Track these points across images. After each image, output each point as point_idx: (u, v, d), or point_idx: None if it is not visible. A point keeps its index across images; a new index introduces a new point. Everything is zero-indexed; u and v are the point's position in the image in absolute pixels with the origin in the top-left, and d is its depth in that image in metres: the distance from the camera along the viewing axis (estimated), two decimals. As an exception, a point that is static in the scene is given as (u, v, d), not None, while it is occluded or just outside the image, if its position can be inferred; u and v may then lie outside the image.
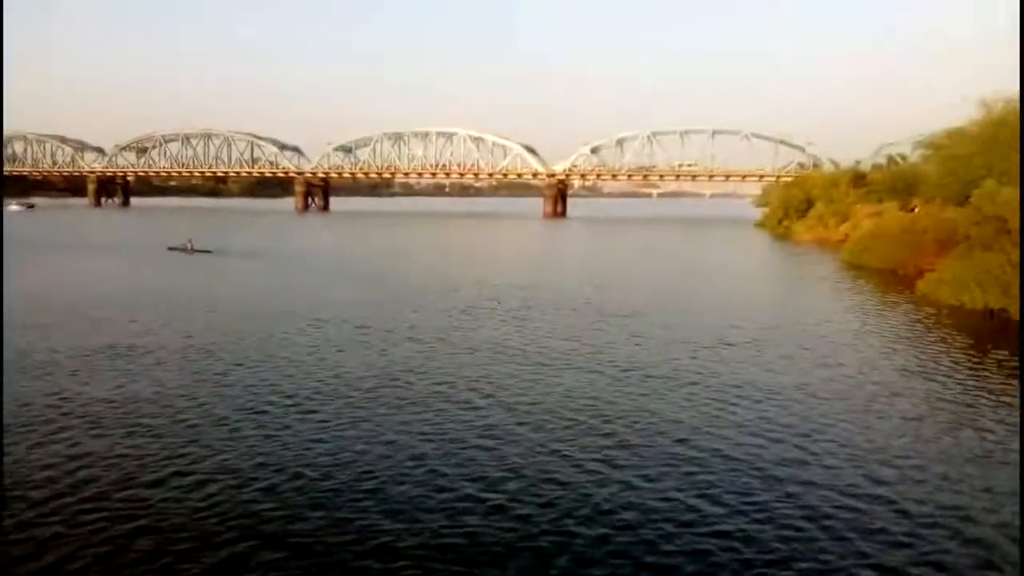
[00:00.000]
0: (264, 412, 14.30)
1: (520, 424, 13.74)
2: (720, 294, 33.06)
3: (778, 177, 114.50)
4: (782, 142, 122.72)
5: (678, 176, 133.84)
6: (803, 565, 8.79)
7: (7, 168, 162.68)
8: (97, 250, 52.23)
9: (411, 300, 28.87)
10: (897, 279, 36.85)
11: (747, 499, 10.52)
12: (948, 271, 30.38)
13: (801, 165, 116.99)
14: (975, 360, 19.48)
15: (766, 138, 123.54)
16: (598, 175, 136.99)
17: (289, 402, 14.96)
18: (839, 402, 15.53)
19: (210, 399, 15.08)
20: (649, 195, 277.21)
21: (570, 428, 13.58)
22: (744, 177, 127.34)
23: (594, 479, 11.20)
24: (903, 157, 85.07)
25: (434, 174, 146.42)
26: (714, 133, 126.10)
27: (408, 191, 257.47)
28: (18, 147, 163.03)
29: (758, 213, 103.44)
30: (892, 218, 51.10)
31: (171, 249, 49.72)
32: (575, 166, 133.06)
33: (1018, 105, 35.85)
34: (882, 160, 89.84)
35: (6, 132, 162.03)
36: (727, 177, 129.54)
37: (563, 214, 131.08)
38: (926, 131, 64.91)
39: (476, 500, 10.39)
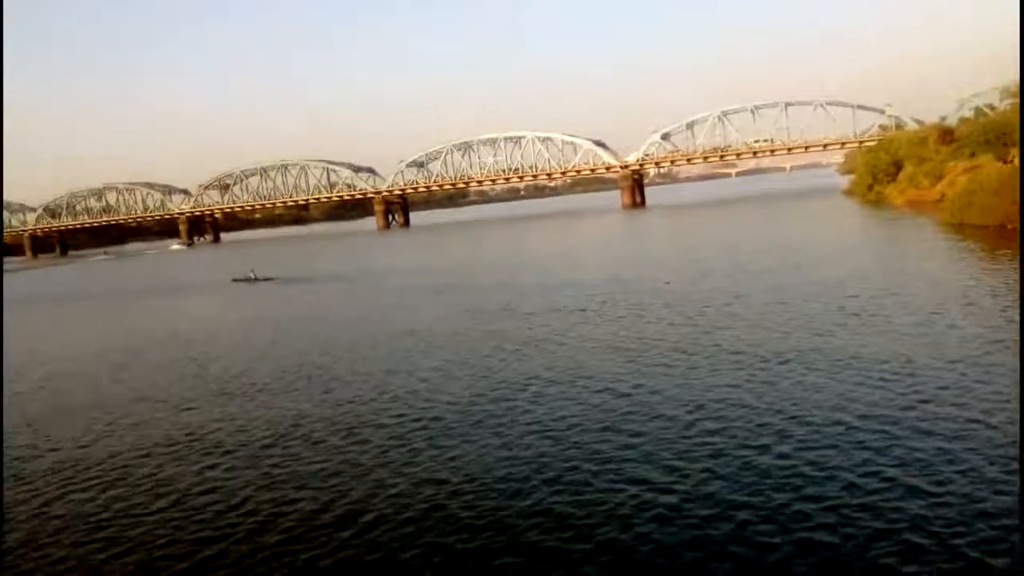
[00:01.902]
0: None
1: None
2: (830, 266, 31.99)
3: (860, 143, 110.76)
4: (859, 107, 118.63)
5: (755, 153, 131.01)
6: None
7: (106, 218, 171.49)
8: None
9: (548, 302, 29.01)
10: (1005, 233, 35.23)
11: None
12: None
13: (883, 128, 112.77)
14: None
15: (842, 104, 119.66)
16: (672, 161, 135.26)
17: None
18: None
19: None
20: (728, 175, 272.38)
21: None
22: (825, 146, 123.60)
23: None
24: (991, 107, 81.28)
25: (507, 179, 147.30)
26: (786, 105, 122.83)
27: (483, 198, 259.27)
28: (111, 198, 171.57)
29: (844, 181, 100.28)
30: (991, 171, 48.77)
31: (235, 280, 52.38)
32: (648, 155, 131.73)
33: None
34: (968, 113, 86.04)
35: (102, 184, 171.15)
36: (807, 148, 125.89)
37: (642, 203, 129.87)
38: (1011, 80, 62.12)
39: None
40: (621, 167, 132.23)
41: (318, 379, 19.35)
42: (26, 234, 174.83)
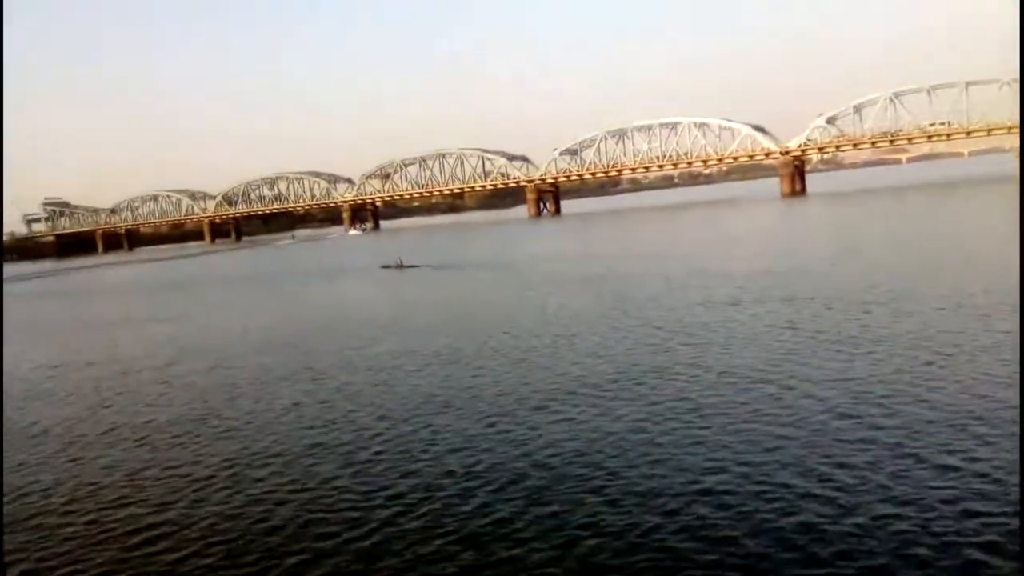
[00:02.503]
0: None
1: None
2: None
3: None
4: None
5: (930, 137, 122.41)
6: None
7: (276, 205, 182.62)
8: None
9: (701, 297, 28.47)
10: None
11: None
12: None
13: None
14: None
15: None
16: (837, 146, 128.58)
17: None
18: None
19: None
20: (898, 161, 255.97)
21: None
22: (1009, 129, 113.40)
23: None
24: None
25: (661, 166, 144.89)
26: (967, 85, 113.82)
27: (636, 186, 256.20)
28: (282, 186, 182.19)
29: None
30: None
31: (384, 267, 54.18)
32: (810, 140, 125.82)
33: None
34: None
35: (273, 173, 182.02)
36: (988, 131, 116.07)
37: (803, 192, 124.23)
38: None
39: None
40: (781, 153, 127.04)
41: (441, 362, 19.77)
42: (206, 220, 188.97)
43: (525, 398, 16.19)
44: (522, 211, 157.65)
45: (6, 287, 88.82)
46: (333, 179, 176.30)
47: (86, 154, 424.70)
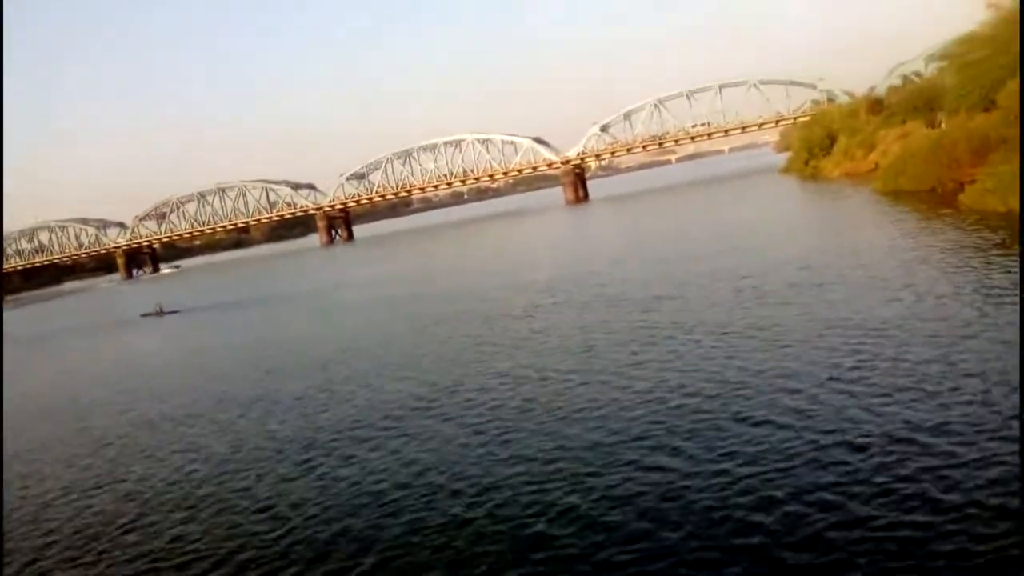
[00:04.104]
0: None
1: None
2: (772, 244, 31.81)
3: (795, 119, 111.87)
4: (791, 83, 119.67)
5: (693, 138, 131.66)
6: None
7: (38, 259, 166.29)
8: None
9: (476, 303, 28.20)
10: (937, 197, 35.36)
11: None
12: (991, 179, 28.96)
13: (815, 103, 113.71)
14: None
15: (774, 82, 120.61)
16: (612, 152, 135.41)
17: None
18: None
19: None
20: (668, 162, 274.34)
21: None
22: (760, 125, 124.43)
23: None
24: (918, 75, 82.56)
25: (449, 184, 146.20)
26: (720, 88, 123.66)
27: (428, 205, 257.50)
28: (43, 237, 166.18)
29: (782, 159, 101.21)
30: (919, 137, 49.34)
31: (144, 315, 50.99)
32: (587, 148, 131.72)
33: None
34: (897, 81, 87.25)
35: (33, 224, 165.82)
36: (743, 129, 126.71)
37: (586, 198, 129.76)
38: (936, 45, 63.06)
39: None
40: (562, 163, 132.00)
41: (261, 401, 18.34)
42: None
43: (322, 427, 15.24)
44: (314, 239, 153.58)
45: None
46: (103, 224, 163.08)
47: None
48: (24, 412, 23.31)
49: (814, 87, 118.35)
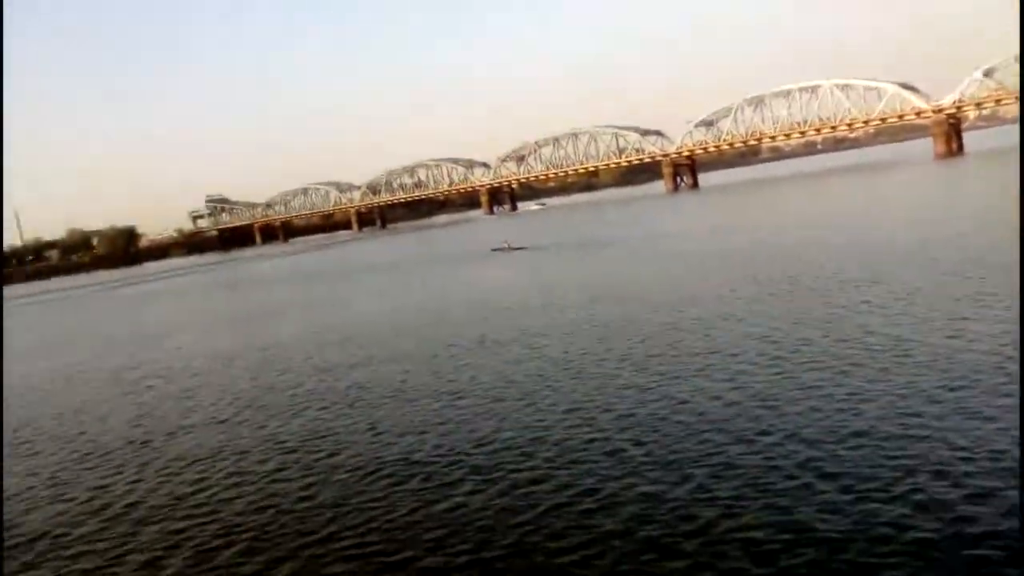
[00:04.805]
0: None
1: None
2: None
3: None
4: None
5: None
6: None
7: (419, 192, 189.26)
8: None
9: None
10: None
11: None
12: None
13: None
14: None
15: None
16: (997, 100, 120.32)
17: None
18: None
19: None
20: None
21: None
22: None
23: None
24: None
25: (803, 132, 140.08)
26: None
27: (777, 155, 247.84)
28: (421, 173, 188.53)
29: None
30: None
31: (494, 250, 56.74)
32: (966, 95, 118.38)
33: None
34: None
35: (413, 162, 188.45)
36: None
37: (960, 151, 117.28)
38: None
39: None
40: (933, 111, 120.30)
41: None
42: (353, 210, 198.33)
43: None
44: (659, 186, 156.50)
45: (185, 276, 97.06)
46: (470, 164, 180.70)
47: (240, 152, 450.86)
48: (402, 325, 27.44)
49: None
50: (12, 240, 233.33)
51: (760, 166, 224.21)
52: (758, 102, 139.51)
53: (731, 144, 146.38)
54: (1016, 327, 15.41)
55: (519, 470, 11.81)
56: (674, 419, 13.17)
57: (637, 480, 10.81)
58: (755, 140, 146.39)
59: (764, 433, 11.92)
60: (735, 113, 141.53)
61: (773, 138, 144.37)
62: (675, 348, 18.52)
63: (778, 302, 22.53)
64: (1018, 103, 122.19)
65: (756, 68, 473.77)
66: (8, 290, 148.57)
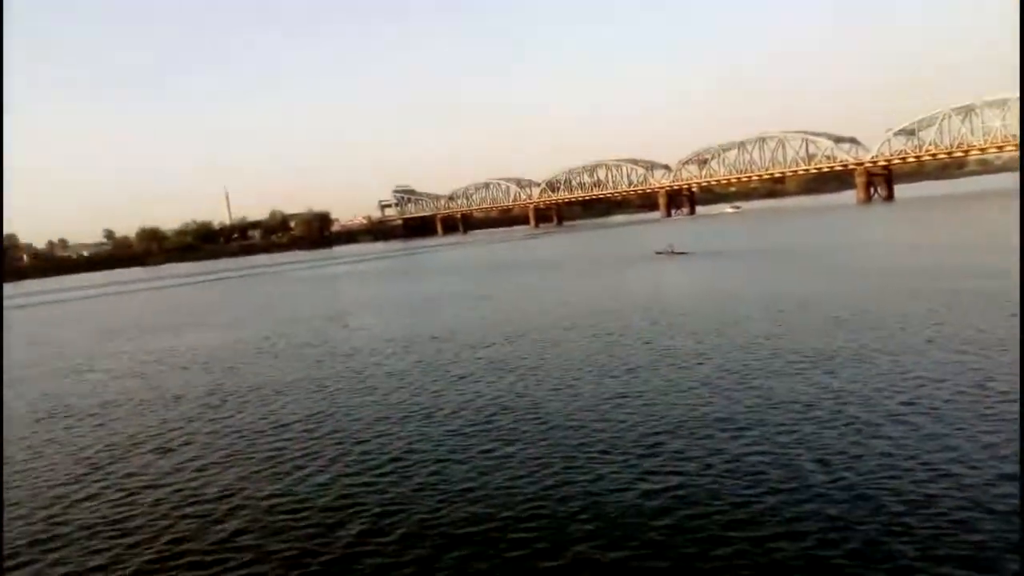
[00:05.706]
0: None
1: None
2: None
3: None
4: None
5: None
6: None
7: (596, 192, 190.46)
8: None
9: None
10: None
11: None
12: None
13: None
14: None
15: None
16: None
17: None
18: None
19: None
20: None
21: None
22: None
23: None
24: None
25: (1017, 145, 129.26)
26: None
27: (985, 168, 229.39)
28: (600, 173, 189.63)
29: None
30: None
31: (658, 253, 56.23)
32: None
33: None
34: None
35: (593, 161, 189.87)
36: None
37: None
38: None
39: None
40: None
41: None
42: (531, 206, 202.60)
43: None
44: (849, 196, 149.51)
45: (373, 262, 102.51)
46: (650, 166, 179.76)
47: (426, 146, 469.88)
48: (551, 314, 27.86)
49: None
50: (222, 218, 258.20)
51: (964, 179, 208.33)
52: (967, 111, 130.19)
53: (934, 155, 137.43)
54: None
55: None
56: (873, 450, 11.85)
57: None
58: (962, 152, 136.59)
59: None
60: (940, 122, 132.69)
61: (983, 150, 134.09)
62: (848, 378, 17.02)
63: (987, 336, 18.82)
64: None
65: (967, 71, 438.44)
66: (215, 263, 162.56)
